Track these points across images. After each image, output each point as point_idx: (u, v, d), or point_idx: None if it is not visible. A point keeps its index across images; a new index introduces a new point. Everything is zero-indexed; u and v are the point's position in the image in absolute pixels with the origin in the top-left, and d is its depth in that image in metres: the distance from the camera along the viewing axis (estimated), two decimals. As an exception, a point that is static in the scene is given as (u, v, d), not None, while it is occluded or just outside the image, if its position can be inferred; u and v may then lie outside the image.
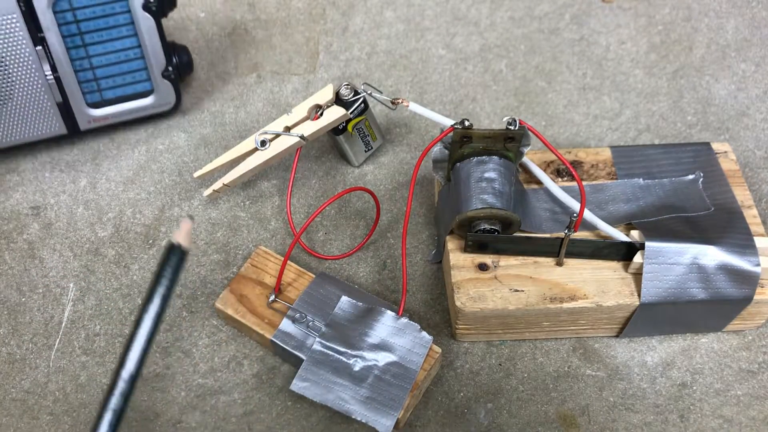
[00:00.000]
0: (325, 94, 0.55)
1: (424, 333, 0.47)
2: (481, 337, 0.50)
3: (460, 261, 0.49)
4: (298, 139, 0.53)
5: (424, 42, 0.68)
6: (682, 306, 0.47)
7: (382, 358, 0.46)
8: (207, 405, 0.49)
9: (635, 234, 0.48)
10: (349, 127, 0.56)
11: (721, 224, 0.48)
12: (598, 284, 0.48)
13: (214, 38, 0.68)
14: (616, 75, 0.65)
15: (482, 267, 0.49)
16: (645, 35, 0.68)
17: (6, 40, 0.54)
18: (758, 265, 0.46)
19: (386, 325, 0.48)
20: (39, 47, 0.55)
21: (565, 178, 0.53)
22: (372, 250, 0.56)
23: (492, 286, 0.48)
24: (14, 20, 0.53)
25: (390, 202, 0.58)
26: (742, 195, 0.51)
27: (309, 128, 0.54)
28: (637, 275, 0.47)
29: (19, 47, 0.54)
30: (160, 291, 0.40)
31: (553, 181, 0.52)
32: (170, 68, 0.59)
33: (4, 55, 0.54)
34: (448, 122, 0.50)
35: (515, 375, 0.50)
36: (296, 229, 0.55)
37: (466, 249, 0.49)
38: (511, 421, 0.48)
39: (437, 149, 0.51)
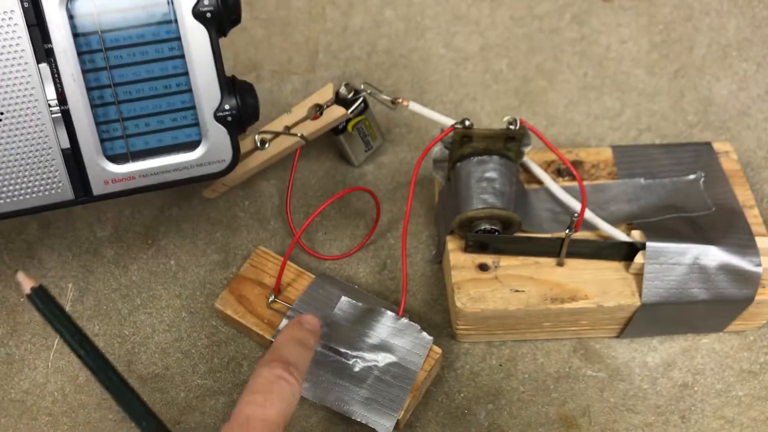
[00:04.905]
0: (325, 94, 0.54)
1: (424, 333, 0.47)
2: (482, 338, 0.50)
3: (460, 261, 0.49)
4: (297, 138, 0.53)
5: (424, 41, 0.68)
6: (684, 306, 0.47)
7: (382, 359, 0.46)
8: (206, 406, 0.48)
9: (636, 234, 0.48)
10: (349, 126, 0.56)
11: (722, 224, 0.48)
12: (599, 284, 0.47)
13: (214, 37, 0.68)
14: (617, 74, 0.65)
15: (483, 267, 0.48)
16: (646, 34, 0.68)
17: None
18: (759, 265, 0.46)
19: (386, 326, 0.47)
20: (43, 64, 0.38)
21: (566, 178, 0.53)
22: (372, 250, 0.55)
23: (492, 287, 0.48)
24: (12, 20, 0.37)
25: (390, 202, 0.58)
26: (743, 195, 0.51)
27: (309, 128, 0.54)
28: (638, 275, 0.47)
29: (14, 61, 0.37)
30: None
31: (554, 180, 0.52)
32: (227, 107, 0.41)
33: None
34: (449, 122, 0.50)
35: (516, 376, 0.49)
36: (296, 229, 0.55)
37: (467, 249, 0.49)
38: (512, 422, 0.48)
39: (437, 149, 0.51)
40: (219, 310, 0.50)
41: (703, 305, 0.47)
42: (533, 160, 0.53)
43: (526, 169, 0.53)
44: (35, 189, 0.40)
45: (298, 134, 0.53)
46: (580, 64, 0.66)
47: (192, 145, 0.42)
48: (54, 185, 0.40)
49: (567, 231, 0.46)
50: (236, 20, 0.41)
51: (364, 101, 0.56)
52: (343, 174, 0.59)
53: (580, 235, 0.49)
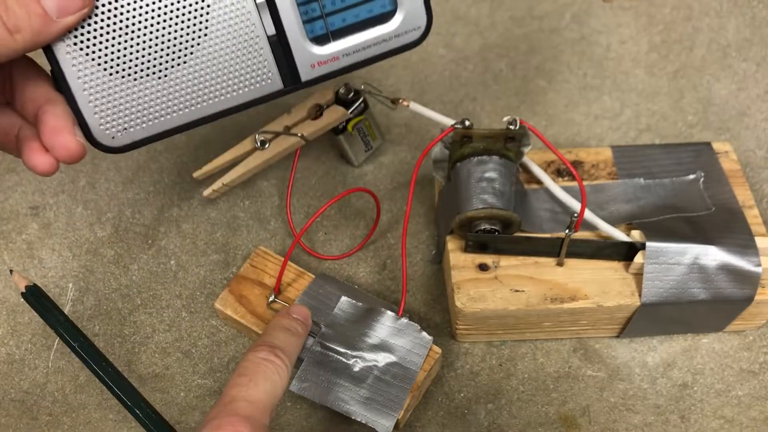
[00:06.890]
0: (325, 94, 0.54)
1: (424, 333, 0.47)
2: (482, 338, 0.50)
3: (460, 261, 0.49)
4: (298, 138, 0.53)
5: (424, 41, 0.68)
6: (683, 306, 0.47)
7: (382, 359, 0.46)
8: (207, 406, 0.49)
9: (636, 234, 0.48)
10: (349, 126, 0.56)
11: (722, 224, 0.48)
12: (599, 284, 0.48)
13: (214, 38, 0.68)
14: (617, 74, 0.65)
15: (482, 267, 0.48)
16: (646, 35, 0.68)
17: None
18: (759, 265, 0.46)
19: (386, 326, 0.47)
20: None
21: (566, 178, 0.53)
22: (372, 250, 0.55)
23: (492, 287, 0.48)
24: None
25: (390, 202, 0.58)
26: (743, 195, 0.51)
27: (309, 128, 0.54)
28: (638, 275, 0.47)
29: None
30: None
31: (554, 181, 0.52)
32: None
33: None
34: (449, 122, 0.50)
35: (516, 375, 0.49)
36: (296, 230, 0.55)
37: (467, 249, 0.49)
38: (512, 421, 0.48)
39: (437, 149, 0.51)
40: (219, 310, 0.50)
41: (702, 305, 0.47)
42: (533, 160, 0.53)
43: (526, 169, 0.53)
44: (246, 83, 0.39)
45: (298, 134, 0.53)
46: (580, 64, 0.66)
47: (387, 16, 0.41)
48: (263, 76, 0.40)
49: (567, 231, 0.46)
50: None
51: (364, 101, 0.56)
52: (343, 174, 0.60)
53: (580, 235, 0.49)
